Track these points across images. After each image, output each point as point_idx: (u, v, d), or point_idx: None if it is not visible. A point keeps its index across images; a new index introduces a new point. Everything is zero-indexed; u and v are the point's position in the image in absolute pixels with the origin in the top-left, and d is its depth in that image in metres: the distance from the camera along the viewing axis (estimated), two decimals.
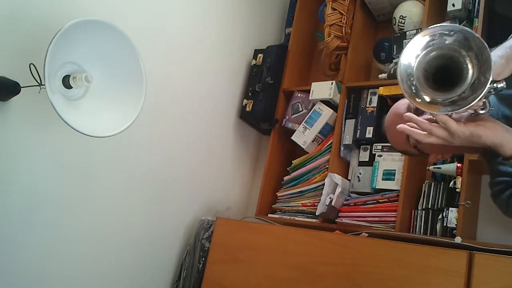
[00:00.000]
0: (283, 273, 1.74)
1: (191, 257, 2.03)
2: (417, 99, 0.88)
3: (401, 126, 0.96)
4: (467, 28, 0.87)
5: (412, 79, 0.89)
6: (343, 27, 2.21)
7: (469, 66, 0.86)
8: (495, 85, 0.86)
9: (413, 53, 0.90)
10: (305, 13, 2.50)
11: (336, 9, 2.22)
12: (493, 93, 0.88)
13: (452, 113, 0.89)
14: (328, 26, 2.21)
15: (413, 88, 0.89)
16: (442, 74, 0.89)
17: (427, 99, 0.88)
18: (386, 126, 1.17)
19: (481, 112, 0.91)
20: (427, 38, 0.89)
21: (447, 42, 0.87)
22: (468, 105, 0.83)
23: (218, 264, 1.92)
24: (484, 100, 0.90)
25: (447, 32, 0.87)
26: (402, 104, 1.10)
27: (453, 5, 1.98)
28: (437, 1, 2.11)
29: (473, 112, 0.92)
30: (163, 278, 2.02)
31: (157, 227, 1.97)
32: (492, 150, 0.93)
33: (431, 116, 0.95)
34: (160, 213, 1.97)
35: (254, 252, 1.84)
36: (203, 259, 1.99)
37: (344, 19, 2.21)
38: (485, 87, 0.82)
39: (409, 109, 1.04)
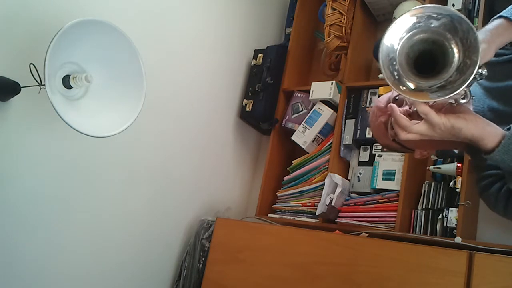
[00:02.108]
0: (283, 273, 1.74)
1: (191, 257, 2.03)
2: (401, 87, 0.83)
3: (382, 118, 0.93)
4: (455, 11, 0.83)
5: (394, 63, 0.84)
6: (343, 27, 2.21)
7: (455, 49, 0.82)
8: (480, 70, 0.82)
9: (397, 35, 0.85)
10: (305, 13, 2.50)
11: (336, 9, 2.22)
12: (478, 79, 0.84)
13: (433, 103, 0.86)
14: (328, 26, 2.21)
15: (395, 74, 0.84)
16: (425, 59, 0.85)
17: (412, 86, 0.83)
18: (369, 120, 1.15)
19: (462, 101, 0.87)
20: (414, 20, 0.84)
21: (432, 25, 0.83)
22: (458, 89, 0.80)
23: (218, 264, 1.92)
24: (465, 89, 0.85)
25: (434, 15, 0.83)
26: (382, 97, 1.07)
27: (453, 5, 1.98)
28: (437, 1, 2.11)
29: (453, 102, 0.88)
30: (163, 278, 2.02)
31: (157, 227, 1.97)
32: (473, 143, 0.90)
33: (407, 107, 0.92)
34: (160, 213, 1.97)
35: (254, 252, 1.84)
36: (203, 259, 1.99)
37: (344, 19, 2.21)
38: (474, 69, 0.79)
39: (389, 101, 1.01)
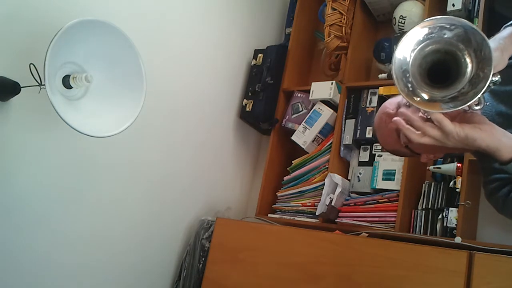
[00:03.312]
0: (283, 273, 1.74)
1: (191, 257, 2.03)
2: (415, 98, 0.83)
3: (396, 119, 0.92)
4: (468, 22, 0.83)
5: (408, 75, 0.84)
6: (343, 27, 2.21)
7: (468, 60, 0.82)
8: (493, 78, 0.82)
9: (408, 47, 0.85)
10: (305, 13, 2.50)
11: (336, 9, 2.22)
12: (491, 87, 0.84)
13: (447, 112, 0.86)
14: (328, 26, 2.21)
15: (409, 86, 0.84)
16: (438, 70, 0.85)
17: (426, 97, 0.83)
18: (376, 126, 1.14)
19: (476, 108, 0.86)
20: (425, 31, 0.84)
21: (445, 36, 0.83)
22: (470, 101, 0.80)
23: (218, 264, 1.92)
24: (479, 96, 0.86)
25: (447, 26, 0.83)
26: (391, 102, 1.07)
27: (453, 5, 1.98)
28: (437, 1, 2.11)
29: (467, 108, 0.87)
30: (163, 278, 2.02)
31: (157, 227, 1.97)
32: (487, 153, 0.90)
33: (422, 114, 0.92)
34: (160, 213, 1.97)
35: (254, 252, 1.84)
36: (203, 259, 1.99)
37: (344, 19, 2.21)
38: (487, 81, 0.79)
39: (399, 108, 1.01)
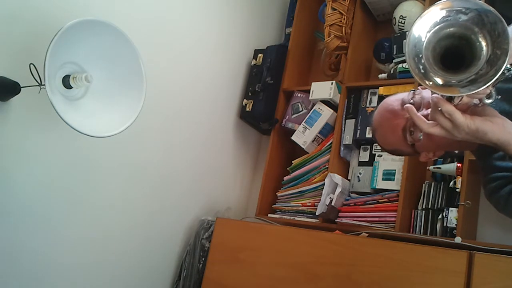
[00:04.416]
0: (283, 273, 1.74)
1: (191, 257, 2.03)
2: (427, 82, 0.80)
3: (408, 106, 0.88)
4: (483, 4, 0.80)
5: (420, 56, 0.80)
6: (343, 27, 2.21)
7: (483, 43, 0.79)
8: (508, 66, 0.78)
9: (425, 27, 0.81)
10: (305, 13, 2.50)
11: (336, 9, 2.22)
12: (507, 75, 0.80)
13: (458, 103, 0.83)
14: (328, 26, 2.21)
15: (421, 67, 0.80)
16: (451, 55, 0.82)
17: (439, 81, 0.80)
18: (376, 124, 1.11)
19: (487, 101, 0.84)
20: (443, 13, 0.81)
21: (460, 20, 0.80)
22: (491, 80, 0.76)
23: (218, 264, 1.92)
24: (491, 88, 0.84)
25: (463, 10, 0.80)
26: (393, 99, 1.05)
27: None
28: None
29: (478, 102, 0.84)
30: (163, 278, 2.02)
31: (157, 227, 1.97)
32: (498, 147, 0.88)
33: (424, 112, 0.90)
34: (160, 213, 1.97)
35: (254, 252, 1.84)
36: (203, 259, 1.99)
37: (344, 19, 2.21)
38: (506, 57, 0.75)
39: (403, 105, 0.99)
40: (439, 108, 0.85)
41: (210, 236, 2.01)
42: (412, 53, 0.81)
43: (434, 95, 0.86)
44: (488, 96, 0.84)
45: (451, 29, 0.81)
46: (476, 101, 0.84)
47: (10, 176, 1.43)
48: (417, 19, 0.82)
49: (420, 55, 0.81)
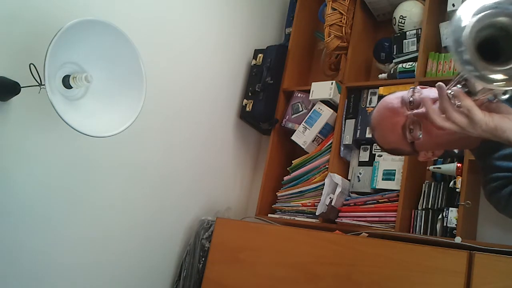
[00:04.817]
0: (283, 273, 1.74)
1: (191, 257, 2.03)
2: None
3: (424, 97, 0.84)
4: None
5: (461, 40, 0.74)
6: (343, 27, 2.21)
7: None
8: None
9: (471, 10, 0.75)
10: (305, 13, 2.50)
11: (336, 9, 2.22)
12: None
13: (481, 97, 0.79)
14: (328, 26, 2.21)
15: (463, 56, 0.74)
16: (488, 45, 0.76)
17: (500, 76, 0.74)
18: (375, 123, 1.09)
19: (503, 97, 0.79)
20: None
21: (509, 10, 0.75)
22: None
23: (218, 264, 1.92)
24: None
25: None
26: (393, 98, 1.03)
27: (453, 5, 1.98)
28: (437, 1, 2.11)
29: (493, 97, 0.80)
30: (163, 278, 2.02)
31: (157, 227, 1.97)
32: None
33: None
34: (160, 213, 1.97)
35: (254, 252, 1.84)
36: (203, 259, 1.99)
37: (344, 19, 2.21)
38: None
39: (403, 102, 0.98)
40: (458, 103, 0.81)
41: (210, 236, 2.01)
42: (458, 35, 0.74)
43: (454, 87, 0.82)
44: (505, 92, 0.80)
45: (495, 18, 0.76)
46: (491, 97, 0.80)
47: (10, 176, 1.43)
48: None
49: (460, 40, 0.74)
